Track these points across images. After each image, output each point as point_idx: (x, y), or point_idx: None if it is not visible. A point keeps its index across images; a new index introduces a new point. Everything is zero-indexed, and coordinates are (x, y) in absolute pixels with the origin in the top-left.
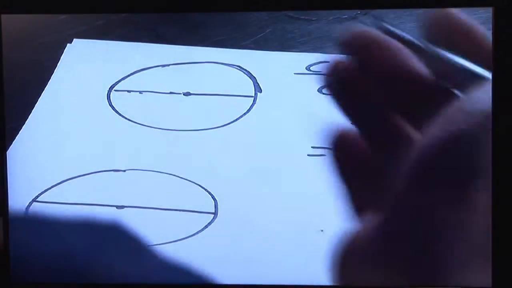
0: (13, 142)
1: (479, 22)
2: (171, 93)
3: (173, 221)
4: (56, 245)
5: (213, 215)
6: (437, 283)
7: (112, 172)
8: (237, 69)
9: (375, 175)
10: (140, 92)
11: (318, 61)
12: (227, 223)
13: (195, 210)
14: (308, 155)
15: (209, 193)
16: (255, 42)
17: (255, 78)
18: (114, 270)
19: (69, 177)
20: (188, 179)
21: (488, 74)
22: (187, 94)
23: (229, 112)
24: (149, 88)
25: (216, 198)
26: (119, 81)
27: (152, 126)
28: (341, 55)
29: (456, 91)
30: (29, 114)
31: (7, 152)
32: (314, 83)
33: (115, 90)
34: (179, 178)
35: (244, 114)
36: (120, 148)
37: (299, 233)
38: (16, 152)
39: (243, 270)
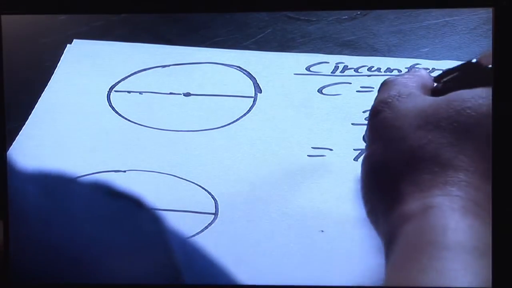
0: (13, 143)
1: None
2: (171, 93)
3: (173, 222)
4: (56, 245)
5: (213, 216)
6: None
7: (112, 172)
8: (237, 69)
9: None
10: (140, 92)
11: (318, 61)
12: (228, 223)
13: (196, 210)
14: (308, 155)
15: (210, 193)
16: (255, 43)
17: (255, 78)
18: (114, 270)
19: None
20: (188, 179)
21: None
22: (187, 94)
23: (229, 113)
24: (149, 88)
25: (216, 199)
26: (119, 81)
27: (152, 126)
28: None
29: None
30: (29, 114)
31: (7, 153)
32: (314, 83)
33: (115, 91)
34: (179, 179)
35: (244, 114)
36: (120, 149)
37: (299, 233)
38: (16, 152)
39: (243, 270)
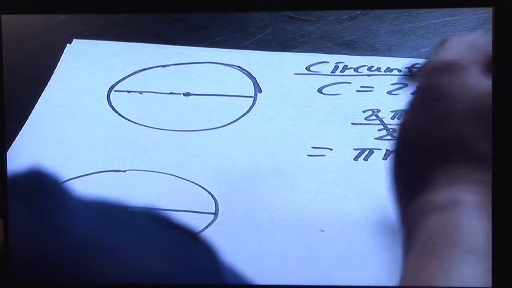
0: (13, 142)
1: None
2: (171, 93)
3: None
4: (56, 245)
5: (213, 216)
6: None
7: (112, 172)
8: (237, 69)
9: None
10: (140, 92)
11: (318, 61)
12: (228, 223)
13: (196, 210)
14: (308, 155)
15: (210, 193)
16: (255, 43)
17: (255, 78)
18: (115, 269)
19: (69, 178)
20: (189, 179)
21: None
22: (187, 94)
23: (229, 113)
24: (149, 88)
25: (216, 199)
26: (119, 81)
27: (152, 126)
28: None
29: None
30: (29, 114)
31: (7, 152)
32: (314, 83)
33: (115, 91)
34: (179, 179)
35: (244, 114)
36: (120, 149)
37: (299, 233)
38: (16, 152)
39: (243, 270)
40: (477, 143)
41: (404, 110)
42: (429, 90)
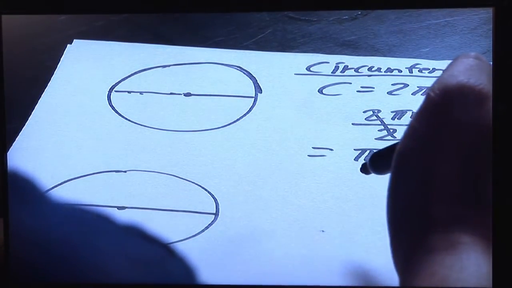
0: (14, 143)
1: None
2: (171, 93)
3: (174, 222)
4: (56, 245)
5: (214, 216)
6: None
7: (113, 172)
8: (238, 69)
9: None
10: (141, 92)
11: (318, 61)
12: (228, 223)
13: (196, 210)
14: (308, 155)
15: (210, 193)
16: (256, 43)
17: (255, 78)
18: (115, 269)
19: (69, 178)
20: (189, 179)
21: None
22: (187, 94)
23: (230, 113)
24: (150, 88)
25: (217, 199)
26: (120, 81)
27: (152, 126)
28: None
29: None
30: (29, 115)
31: (8, 153)
32: (314, 83)
33: (116, 91)
34: (180, 179)
35: (245, 114)
36: (120, 149)
37: (300, 233)
38: (16, 152)
39: (244, 270)
40: (487, 183)
41: (407, 134)
42: (443, 118)
